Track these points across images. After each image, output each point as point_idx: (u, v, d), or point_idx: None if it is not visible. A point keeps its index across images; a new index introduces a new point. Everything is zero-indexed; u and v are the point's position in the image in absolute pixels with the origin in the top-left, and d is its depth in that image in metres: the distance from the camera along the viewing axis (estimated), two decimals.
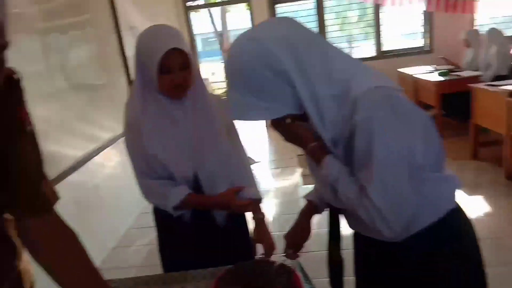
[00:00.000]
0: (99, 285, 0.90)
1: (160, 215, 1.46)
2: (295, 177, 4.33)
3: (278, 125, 0.97)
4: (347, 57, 0.94)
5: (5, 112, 0.77)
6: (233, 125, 1.50)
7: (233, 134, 1.49)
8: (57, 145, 2.53)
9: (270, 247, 1.40)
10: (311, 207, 1.23)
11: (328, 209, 1.17)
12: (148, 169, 1.34)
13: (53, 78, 2.62)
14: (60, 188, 2.66)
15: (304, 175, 4.31)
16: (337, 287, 1.19)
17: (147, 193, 1.38)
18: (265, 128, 6.73)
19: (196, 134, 1.36)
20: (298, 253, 1.24)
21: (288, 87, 0.87)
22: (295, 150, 5.19)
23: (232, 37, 13.20)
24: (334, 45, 0.94)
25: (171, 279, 1.19)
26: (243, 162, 1.50)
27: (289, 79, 0.86)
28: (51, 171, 2.69)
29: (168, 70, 1.23)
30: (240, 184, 1.42)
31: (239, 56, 0.88)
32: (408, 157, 0.85)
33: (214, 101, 1.41)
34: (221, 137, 1.41)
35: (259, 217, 1.44)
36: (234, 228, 1.50)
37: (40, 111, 2.27)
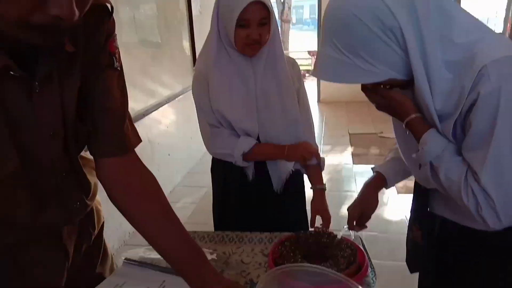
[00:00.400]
0: (178, 230, 0.86)
1: (220, 172, 1.45)
2: (346, 155, 4.22)
3: (372, 90, 0.87)
4: (472, 18, 0.80)
5: (93, 42, 0.75)
6: (303, 90, 1.44)
7: (303, 100, 1.43)
8: None
9: (327, 220, 1.36)
10: (379, 180, 1.15)
11: (414, 188, 1.07)
12: (215, 121, 1.33)
13: (122, 31, 2.66)
14: None
15: (355, 154, 4.18)
16: (413, 268, 1.12)
17: (213, 142, 1.35)
18: (316, 102, 6.59)
19: (263, 94, 1.32)
20: (362, 226, 1.18)
21: (397, 48, 0.77)
22: (347, 128, 5.06)
23: (293, 8, 12.83)
24: (456, 2, 0.81)
25: (228, 238, 1.18)
26: (310, 130, 1.45)
27: (401, 37, 0.75)
28: None
29: (246, 24, 1.19)
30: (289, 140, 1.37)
31: (344, 6, 0.77)
32: None
33: (287, 63, 1.36)
34: (290, 101, 1.35)
35: (321, 188, 1.39)
36: (290, 195, 1.46)
37: None
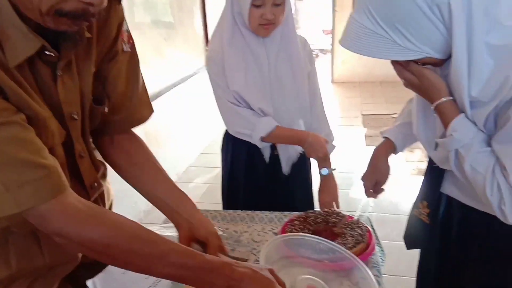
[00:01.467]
0: (168, 180, 0.95)
1: (230, 152, 1.47)
2: (358, 137, 4.20)
3: (403, 66, 0.82)
4: None
5: (106, 28, 0.77)
6: (314, 73, 1.44)
7: (314, 83, 1.43)
8: None
9: (336, 202, 1.37)
10: (389, 146, 1.12)
11: (428, 166, 1.05)
12: (235, 100, 1.33)
13: (134, 11, 2.67)
14: None
15: (368, 136, 4.16)
16: (411, 245, 1.14)
17: (234, 120, 1.35)
18: (330, 83, 6.52)
19: (276, 77, 1.33)
20: (379, 192, 1.18)
21: (441, 26, 0.71)
22: (361, 109, 5.02)
23: None
24: None
25: (239, 217, 1.22)
26: (321, 112, 1.46)
27: (448, 15, 0.69)
28: None
29: (261, 3, 1.19)
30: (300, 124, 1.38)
31: None
32: None
33: (300, 45, 1.36)
34: (302, 86, 1.36)
35: (329, 171, 1.39)
36: (297, 177, 1.48)
37: None
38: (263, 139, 1.32)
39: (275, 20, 1.23)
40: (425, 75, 0.81)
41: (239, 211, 1.25)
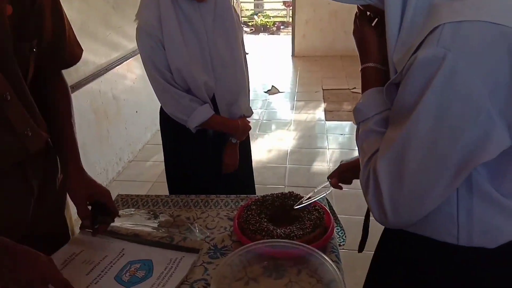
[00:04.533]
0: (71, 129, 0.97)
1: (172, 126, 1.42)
2: (318, 111, 4.19)
3: (361, 21, 0.77)
4: None
5: None
6: (243, 40, 1.44)
7: (243, 49, 1.43)
8: None
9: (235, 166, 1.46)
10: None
11: None
12: (171, 79, 1.27)
13: None
14: (79, 95, 2.59)
15: (328, 111, 4.16)
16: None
17: (170, 103, 1.30)
18: (290, 56, 6.46)
19: (215, 47, 1.28)
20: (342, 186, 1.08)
21: None
22: (321, 83, 5.01)
23: None
24: None
25: (192, 202, 1.14)
26: (247, 76, 1.45)
27: None
28: (71, 77, 2.59)
29: None
30: (240, 97, 1.39)
31: None
32: (477, 144, 0.58)
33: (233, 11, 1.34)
34: (238, 52, 1.34)
35: (237, 140, 1.44)
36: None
37: None
38: (197, 127, 1.32)
39: None
40: (364, 32, 0.76)
41: (192, 196, 1.17)
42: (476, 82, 0.55)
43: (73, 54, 0.96)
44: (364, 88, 0.75)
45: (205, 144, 1.42)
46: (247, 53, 1.48)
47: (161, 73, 1.25)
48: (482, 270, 0.70)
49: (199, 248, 0.93)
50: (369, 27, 0.76)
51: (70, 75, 2.35)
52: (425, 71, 0.58)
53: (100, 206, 0.93)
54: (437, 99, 0.57)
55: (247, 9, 11.24)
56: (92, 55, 2.60)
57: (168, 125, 1.42)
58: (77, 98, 2.49)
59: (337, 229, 1.06)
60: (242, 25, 1.50)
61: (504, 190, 0.65)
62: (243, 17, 10.18)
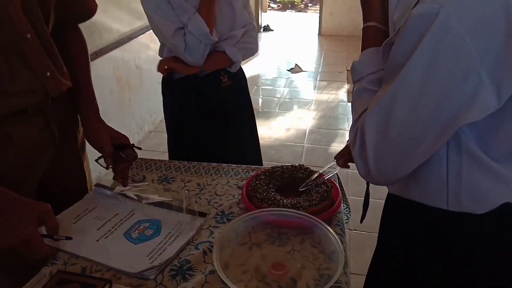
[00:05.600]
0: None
1: (176, 93, 1.54)
2: (341, 92, 4.12)
3: None
4: None
5: None
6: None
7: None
8: (102, 16, 2.43)
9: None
10: None
11: None
12: (181, 24, 1.34)
13: None
14: (102, 61, 2.61)
15: (351, 92, 4.08)
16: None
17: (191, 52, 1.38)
18: (317, 35, 6.32)
19: None
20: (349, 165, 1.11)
21: None
22: (346, 64, 4.90)
23: None
24: None
25: (204, 170, 1.15)
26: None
27: None
28: (94, 43, 2.60)
29: None
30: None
31: None
32: (464, 104, 0.56)
33: None
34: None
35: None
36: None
37: None
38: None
39: None
40: None
41: (204, 163, 1.18)
42: (467, 42, 0.54)
43: (88, 7, 1.01)
44: (364, 48, 0.75)
45: (207, 114, 1.48)
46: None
47: (169, 21, 1.35)
48: (470, 237, 0.70)
49: (207, 213, 0.95)
50: None
51: (94, 41, 2.39)
52: (417, 28, 0.56)
53: (121, 148, 1.01)
54: (427, 56, 0.56)
55: None
56: (116, 23, 2.61)
57: (173, 92, 1.54)
58: (100, 65, 2.54)
59: (343, 205, 1.06)
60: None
61: (493, 154, 0.64)
62: None
